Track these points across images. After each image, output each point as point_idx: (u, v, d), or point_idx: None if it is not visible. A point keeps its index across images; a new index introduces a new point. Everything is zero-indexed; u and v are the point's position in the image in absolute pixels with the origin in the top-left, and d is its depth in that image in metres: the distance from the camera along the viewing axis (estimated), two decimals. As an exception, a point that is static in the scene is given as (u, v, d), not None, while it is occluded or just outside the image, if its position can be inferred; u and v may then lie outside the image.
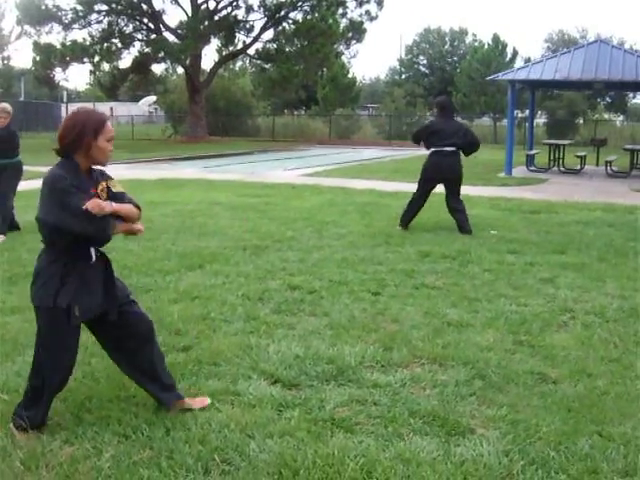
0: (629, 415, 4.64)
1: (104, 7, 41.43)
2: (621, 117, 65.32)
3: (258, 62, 47.96)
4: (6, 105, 10.70)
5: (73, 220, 3.99)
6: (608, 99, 65.80)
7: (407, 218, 11.51)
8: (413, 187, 11.95)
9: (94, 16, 41.91)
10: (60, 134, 4.16)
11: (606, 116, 61.86)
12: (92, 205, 3.96)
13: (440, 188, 11.66)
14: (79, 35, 68.14)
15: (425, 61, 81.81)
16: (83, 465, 3.91)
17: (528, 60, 51.18)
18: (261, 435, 4.24)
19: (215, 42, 46.06)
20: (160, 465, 3.90)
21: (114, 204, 4.16)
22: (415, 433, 4.34)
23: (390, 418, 4.51)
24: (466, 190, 11.34)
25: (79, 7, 40.83)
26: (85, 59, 41.49)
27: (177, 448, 4.08)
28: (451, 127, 11.55)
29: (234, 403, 4.72)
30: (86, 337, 5.80)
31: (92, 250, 4.30)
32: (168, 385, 4.64)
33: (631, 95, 65.32)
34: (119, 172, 20.49)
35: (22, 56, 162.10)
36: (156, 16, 42.82)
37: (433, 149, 11.45)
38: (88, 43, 41.40)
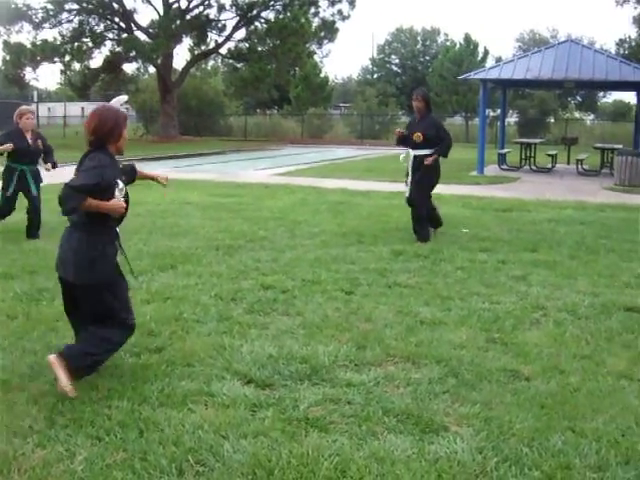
0: (601, 411, 4.67)
1: (75, 6, 41.17)
2: (591, 116, 65.85)
3: (230, 61, 47.90)
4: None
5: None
6: (579, 98, 66.34)
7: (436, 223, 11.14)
8: (385, 186, 12.00)
9: (65, 15, 41.65)
10: (94, 127, 4.88)
11: (577, 115, 62.37)
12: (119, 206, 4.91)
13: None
14: (50, 34, 67.53)
15: (397, 60, 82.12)
16: (56, 468, 3.87)
17: (499, 59, 51.41)
18: (235, 435, 4.23)
19: (187, 41, 46.14)
20: (134, 467, 3.88)
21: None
22: (389, 431, 4.34)
23: (364, 417, 4.51)
24: (438, 189, 11.35)
25: (50, 6, 40.60)
26: (56, 58, 41.21)
27: (151, 450, 4.05)
28: None
29: (208, 404, 4.70)
30: (57, 341, 5.79)
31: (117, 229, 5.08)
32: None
33: (601, 94, 65.96)
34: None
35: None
36: (127, 15, 42.62)
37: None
38: (59, 42, 41.13)
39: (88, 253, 4.84)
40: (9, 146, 9.90)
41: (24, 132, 10.12)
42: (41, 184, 10.66)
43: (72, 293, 5.04)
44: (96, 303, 4.96)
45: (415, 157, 10.61)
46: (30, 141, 10.19)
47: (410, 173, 10.70)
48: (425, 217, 10.69)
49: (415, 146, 10.59)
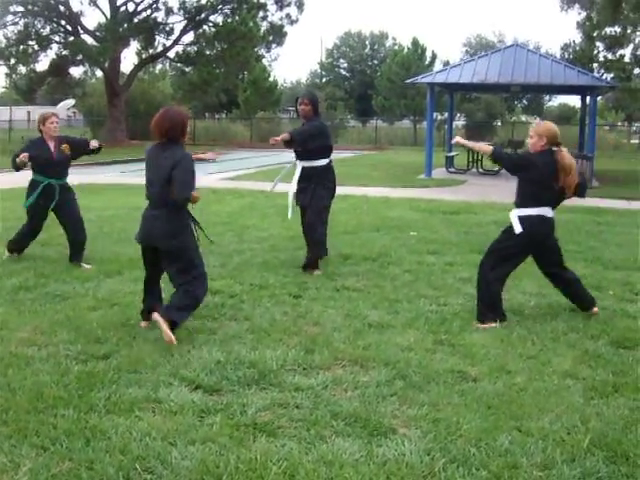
0: (547, 410, 4.73)
1: (20, 8, 40.49)
2: (538, 119, 66.78)
3: (178, 65, 47.60)
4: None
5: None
6: (525, 102, 67.32)
7: None
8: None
9: (9, 17, 40.90)
10: (168, 128, 6.10)
11: (523, 118, 63.21)
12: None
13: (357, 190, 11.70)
14: (-7, 37, 66.50)
15: (346, 64, 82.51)
16: (-1, 479, 3.81)
17: (447, 63, 52.02)
18: (183, 442, 4.20)
19: (135, 45, 45.52)
20: (80, 476, 3.83)
21: None
22: (337, 435, 4.34)
23: (312, 421, 4.51)
24: (386, 192, 11.43)
25: (-6, 8, 39.91)
26: (0, 61, 40.55)
27: (97, 458, 4.00)
28: None
29: (155, 411, 4.66)
30: (1, 349, 5.70)
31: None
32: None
33: (547, 98, 67.01)
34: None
35: None
36: (74, 18, 42.07)
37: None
38: (3, 45, 40.45)
39: (178, 224, 6.19)
40: (24, 156, 8.64)
41: (47, 140, 8.92)
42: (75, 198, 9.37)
43: (156, 260, 6.35)
44: (185, 261, 6.19)
45: (304, 169, 8.91)
46: (53, 150, 8.92)
47: (297, 188, 9.03)
48: (324, 241, 8.97)
49: (304, 156, 8.90)
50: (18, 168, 8.84)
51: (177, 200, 6.06)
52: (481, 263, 7.01)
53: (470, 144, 7.74)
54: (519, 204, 6.80)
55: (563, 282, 7.15)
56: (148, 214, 6.32)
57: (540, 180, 6.65)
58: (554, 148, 6.74)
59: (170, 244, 6.14)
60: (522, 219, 6.71)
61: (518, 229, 6.72)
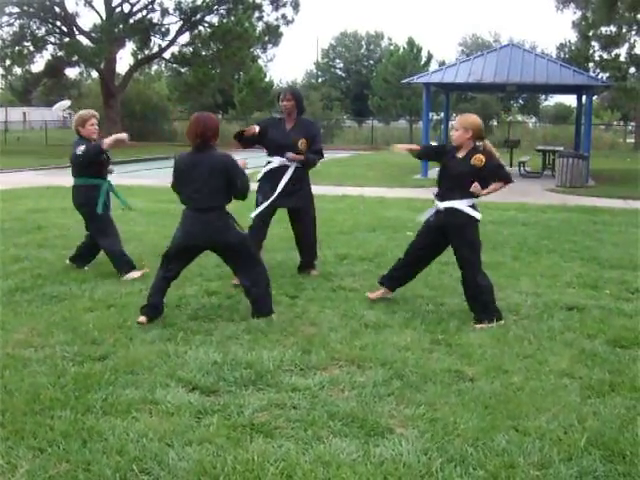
0: (543, 409, 4.73)
1: (15, 9, 40.44)
2: (534, 119, 66.94)
3: (174, 66, 47.63)
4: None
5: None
6: (521, 101, 67.34)
7: None
8: (330, 190, 11.96)
9: (5, 19, 40.84)
10: (202, 131, 6.49)
11: (519, 118, 63.32)
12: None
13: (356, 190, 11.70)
14: (-11, 39, 66.36)
15: (341, 65, 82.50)
16: (-4, 481, 3.81)
17: (443, 63, 52.07)
18: (180, 443, 4.20)
19: (130, 46, 45.56)
20: (77, 478, 3.83)
21: None
22: (334, 435, 4.34)
23: (309, 421, 4.51)
24: (382, 192, 11.42)
25: (-11, 10, 39.85)
26: (-4, 63, 40.55)
27: (94, 460, 4.00)
28: None
29: (152, 412, 4.66)
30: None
31: None
32: None
33: (543, 97, 67.05)
34: (30, 180, 20.10)
35: None
36: (69, 19, 42.05)
37: None
38: (-1, 46, 40.45)
39: (229, 220, 6.81)
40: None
41: (91, 141, 8.34)
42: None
43: (191, 258, 7.09)
44: (245, 251, 6.92)
45: (296, 170, 8.59)
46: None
47: (285, 190, 8.54)
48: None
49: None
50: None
51: (241, 197, 6.80)
52: (465, 277, 6.98)
53: (406, 147, 7.66)
54: (465, 195, 6.79)
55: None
56: (197, 216, 6.73)
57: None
58: (479, 143, 6.80)
59: (231, 237, 6.75)
60: (473, 207, 6.89)
61: (479, 215, 6.89)
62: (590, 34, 31.59)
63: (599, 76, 30.19)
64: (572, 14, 33.94)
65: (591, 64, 33.49)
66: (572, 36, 39.38)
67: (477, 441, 4.26)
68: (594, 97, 30.64)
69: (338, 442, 4.24)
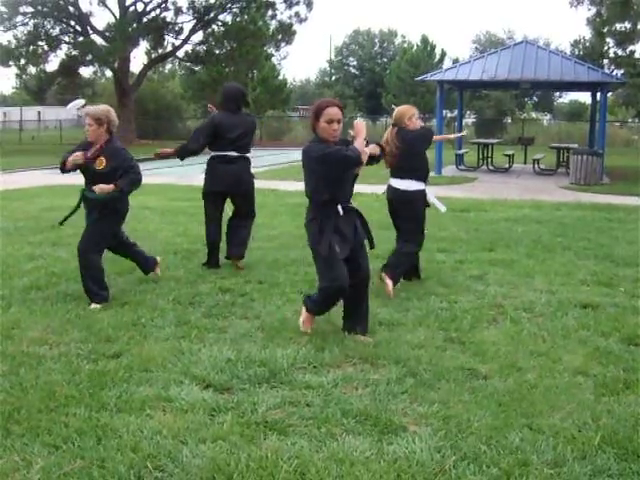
0: (558, 407, 4.72)
1: (30, 9, 40.67)
2: (548, 116, 66.63)
3: (188, 64, 47.75)
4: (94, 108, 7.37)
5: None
6: (535, 98, 67.08)
7: None
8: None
9: (19, 18, 41.09)
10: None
11: (533, 115, 63.05)
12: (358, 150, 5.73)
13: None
14: (4, 38, 66.81)
15: (355, 62, 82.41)
16: (12, 478, 3.82)
17: (456, 61, 51.95)
18: (194, 440, 4.21)
19: (144, 44, 45.78)
20: (92, 475, 3.83)
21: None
22: (348, 433, 4.34)
23: (323, 419, 4.50)
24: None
25: (3, 9, 40.01)
26: (10, 62, 40.72)
27: (109, 457, 4.01)
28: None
29: (166, 409, 4.67)
30: (13, 348, 5.73)
31: (339, 207, 5.93)
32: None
33: (557, 94, 66.78)
34: (44, 179, 20.17)
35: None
36: (83, 18, 42.22)
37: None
38: (13, 46, 40.62)
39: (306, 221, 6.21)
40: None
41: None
42: None
43: None
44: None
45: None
46: None
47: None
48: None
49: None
50: None
51: None
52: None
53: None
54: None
55: None
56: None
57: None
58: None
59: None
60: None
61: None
62: (604, 30, 31.41)
63: (614, 73, 29.99)
64: (586, 11, 33.85)
65: (605, 61, 33.32)
66: (586, 33, 39.27)
67: (490, 439, 4.25)
68: (609, 94, 30.45)
69: (351, 440, 4.24)
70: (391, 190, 8.02)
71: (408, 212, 7.95)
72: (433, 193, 8.28)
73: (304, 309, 6.28)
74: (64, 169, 7.37)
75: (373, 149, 6.04)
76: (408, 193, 7.86)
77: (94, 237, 7.26)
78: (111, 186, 6.98)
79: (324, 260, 5.97)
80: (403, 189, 7.86)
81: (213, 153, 8.80)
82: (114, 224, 7.42)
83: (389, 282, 7.46)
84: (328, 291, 6.04)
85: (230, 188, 8.78)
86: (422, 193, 7.92)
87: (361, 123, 5.91)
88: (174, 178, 21.35)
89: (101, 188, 6.96)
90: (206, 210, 9.00)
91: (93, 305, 7.01)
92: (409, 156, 7.77)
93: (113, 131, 7.26)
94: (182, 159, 9.10)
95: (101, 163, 7.10)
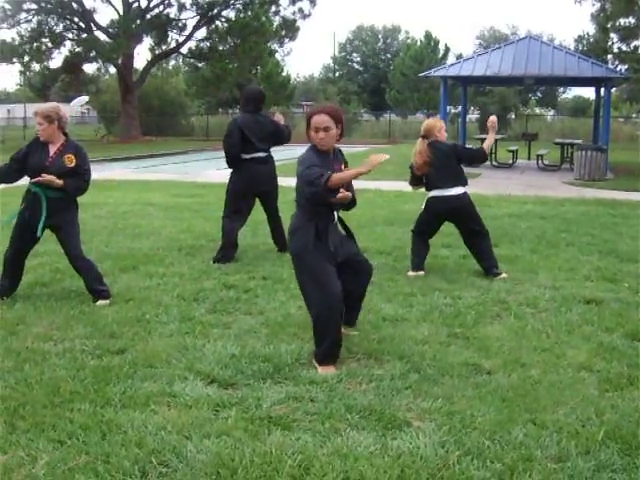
0: (561, 402, 4.72)
1: (33, 6, 40.66)
2: (552, 112, 66.52)
3: (191, 61, 47.76)
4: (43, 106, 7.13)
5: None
6: (539, 94, 66.96)
7: None
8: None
9: (23, 15, 41.07)
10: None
11: (537, 111, 62.95)
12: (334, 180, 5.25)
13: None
14: (8, 35, 66.78)
15: (359, 58, 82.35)
16: (17, 473, 3.83)
17: (460, 56, 51.85)
18: (198, 436, 4.21)
19: (147, 41, 45.89)
20: (97, 470, 3.84)
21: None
22: (352, 428, 4.35)
23: (327, 414, 4.51)
24: (400, 185, 11.40)
25: (7, 6, 40.01)
26: (14, 59, 40.68)
27: (113, 452, 4.02)
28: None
29: (170, 405, 4.68)
30: (18, 344, 5.74)
31: (335, 213, 5.62)
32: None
33: (561, 90, 66.66)
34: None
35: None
36: (87, 15, 42.22)
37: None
38: (17, 43, 40.55)
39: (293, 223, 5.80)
40: None
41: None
42: None
43: None
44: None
45: None
46: None
47: None
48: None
49: None
50: None
51: None
52: None
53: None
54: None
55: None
56: None
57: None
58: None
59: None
60: None
61: None
62: (609, 26, 31.29)
63: (618, 68, 29.91)
64: (590, 6, 33.77)
65: (610, 56, 33.19)
66: (590, 28, 39.23)
67: (494, 434, 4.25)
68: (613, 89, 30.42)
69: (355, 435, 4.25)
70: (443, 200, 8.21)
71: (470, 212, 8.36)
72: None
73: (318, 367, 5.40)
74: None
75: (343, 197, 5.43)
76: (461, 197, 8.22)
77: (76, 239, 7.18)
78: (59, 182, 6.82)
79: (313, 273, 5.45)
80: (457, 195, 8.19)
81: (243, 155, 9.02)
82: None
83: (504, 274, 8.17)
84: (324, 314, 5.39)
85: (264, 187, 9.25)
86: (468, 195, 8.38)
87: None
88: (177, 175, 21.37)
89: (50, 179, 6.80)
90: (236, 209, 9.18)
91: (101, 302, 7.02)
92: (448, 165, 8.17)
93: (65, 128, 7.09)
94: (234, 167, 9.24)
95: (71, 160, 6.95)
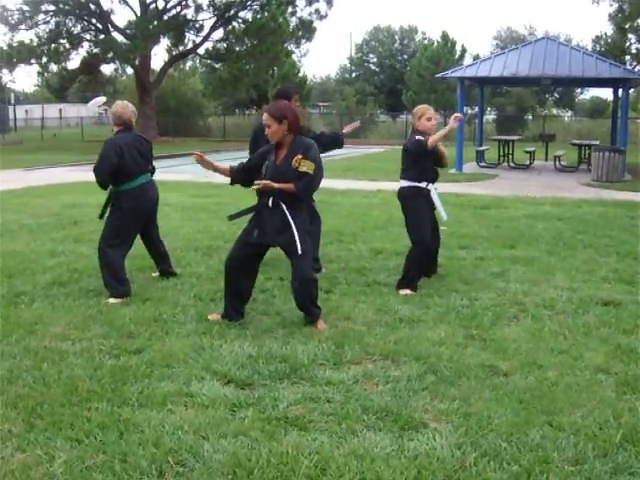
0: (579, 405, 4.70)
1: (51, 7, 40.86)
2: (569, 113, 66.23)
3: (208, 62, 47.82)
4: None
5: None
6: (556, 95, 66.68)
7: None
8: (365, 185, 11.96)
9: (41, 16, 41.30)
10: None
11: (554, 112, 62.67)
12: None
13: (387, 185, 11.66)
14: (26, 36, 67.21)
15: (375, 59, 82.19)
16: (35, 472, 3.85)
17: (477, 57, 51.71)
18: (215, 436, 4.23)
19: (165, 42, 45.89)
20: (114, 469, 3.86)
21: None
22: (369, 429, 4.35)
23: (343, 415, 4.52)
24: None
25: (25, 7, 40.22)
26: (32, 60, 40.91)
27: (131, 451, 4.04)
28: None
29: (187, 404, 4.70)
30: (36, 343, 5.78)
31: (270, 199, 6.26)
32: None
33: (579, 91, 66.35)
34: (66, 176, 20.30)
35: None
36: (104, 16, 42.38)
37: None
38: (35, 44, 40.78)
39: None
40: None
41: None
42: None
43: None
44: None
45: None
46: None
47: None
48: None
49: None
50: None
51: None
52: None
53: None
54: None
55: None
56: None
57: None
58: None
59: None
60: None
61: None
62: (626, 26, 31.22)
63: (636, 69, 29.84)
64: (608, 6, 33.66)
65: (627, 57, 33.12)
66: (608, 29, 39.06)
67: (511, 436, 4.24)
68: (631, 90, 30.28)
69: (372, 436, 4.25)
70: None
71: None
72: (439, 198, 8.36)
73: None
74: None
75: (263, 185, 6.30)
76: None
77: (105, 232, 7.44)
78: None
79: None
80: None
81: None
82: (121, 220, 7.44)
83: None
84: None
85: None
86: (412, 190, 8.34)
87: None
88: (194, 175, 21.39)
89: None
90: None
91: (111, 299, 7.08)
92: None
93: None
94: None
95: None
